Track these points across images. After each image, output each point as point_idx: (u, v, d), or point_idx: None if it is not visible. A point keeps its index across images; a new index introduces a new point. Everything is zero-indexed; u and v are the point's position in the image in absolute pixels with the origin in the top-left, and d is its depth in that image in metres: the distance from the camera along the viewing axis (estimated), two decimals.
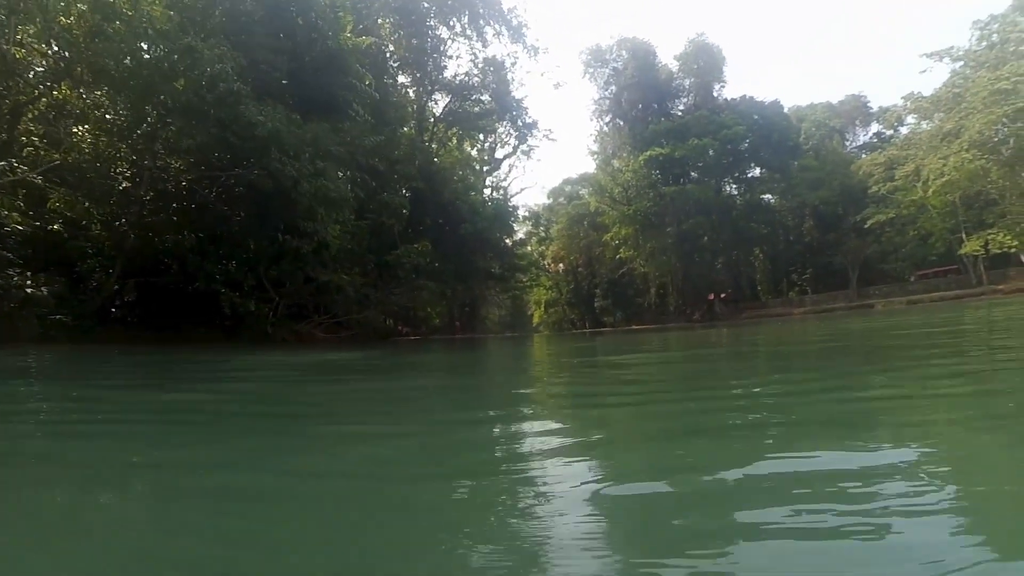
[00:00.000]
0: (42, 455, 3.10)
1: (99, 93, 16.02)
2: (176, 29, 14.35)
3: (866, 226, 43.83)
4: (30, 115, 16.60)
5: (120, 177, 17.98)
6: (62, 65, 15.87)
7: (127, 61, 14.50)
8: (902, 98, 44.84)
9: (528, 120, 39.07)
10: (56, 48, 15.64)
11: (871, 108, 57.59)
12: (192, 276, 17.95)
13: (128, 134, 16.90)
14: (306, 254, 19.05)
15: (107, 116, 16.59)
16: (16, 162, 15.43)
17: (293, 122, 15.98)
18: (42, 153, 16.66)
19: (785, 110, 54.47)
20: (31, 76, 16.41)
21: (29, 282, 19.37)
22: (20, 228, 17.38)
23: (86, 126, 16.97)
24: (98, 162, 17.03)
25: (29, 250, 17.84)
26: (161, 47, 14.06)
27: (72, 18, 14.76)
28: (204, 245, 18.44)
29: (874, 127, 57.15)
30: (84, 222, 17.85)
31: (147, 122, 16.35)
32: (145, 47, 14.01)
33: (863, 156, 49.91)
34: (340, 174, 19.48)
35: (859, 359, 7.24)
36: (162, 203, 18.33)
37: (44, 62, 16.33)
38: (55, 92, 16.54)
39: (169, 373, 8.68)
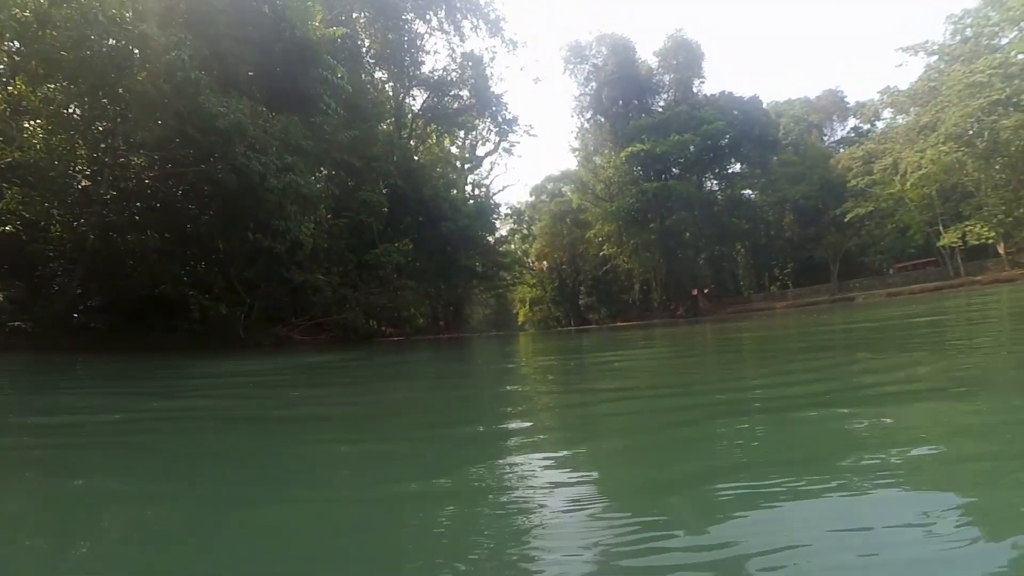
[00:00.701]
0: None
1: (53, 87, 15.18)
2: (134, 17, 13.59)
3: (846, 220, 44.18)
4: None
5: (79, 175, 17.12)
6: (17, 59, 15.04)
7: (87, 52, 13.72)
8: (878, 92, 45.61)
9: (508, 116, 38.62)
10: (17, 44, 14.82)
11: (848, 103, 58.42)
12: (159, 278, 17.18)
13: (85, 129, 16.08)
14: (280, 254, 18.35)
15: (62, 111, 15.74)
16: None
17: (259, 114, 15.28)
18: None
19: (764, 105, 54.73)
20: None
21: None
22: None
23: (38, 121, 16.11)
24: (55, 159, 16.20)
25: None
26: (118, 36, 13.27)
27: (28, 12, 13.98)
28: (170, 246, 17.67)
29: (851, 122, 58.02)
30: (43, 223, 16.95)
31: (105, 117, 15.56)
32: (97, 36, 13.16)
33: (841, 150, 50.44)
34: (318, 171, 18.81)
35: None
36: (125, 202, 17.48)
37: (3, 59, 15.49)
38: (10, 88, 15.68)
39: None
